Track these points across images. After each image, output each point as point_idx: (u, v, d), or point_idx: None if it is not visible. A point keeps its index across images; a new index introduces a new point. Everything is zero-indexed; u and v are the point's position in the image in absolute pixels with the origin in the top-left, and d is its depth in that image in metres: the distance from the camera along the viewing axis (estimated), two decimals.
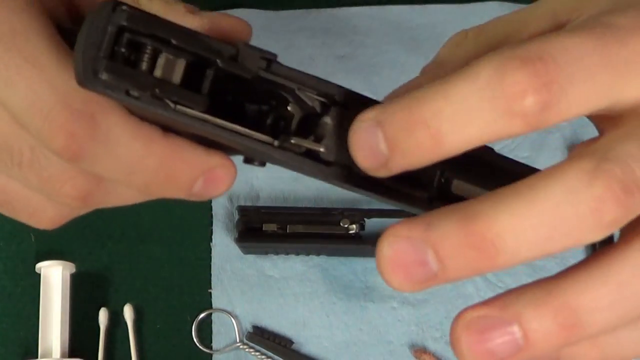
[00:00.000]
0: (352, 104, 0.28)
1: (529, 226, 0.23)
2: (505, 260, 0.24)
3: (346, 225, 0.58)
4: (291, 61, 0.72)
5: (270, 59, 0.28)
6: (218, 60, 0.27)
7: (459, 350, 0.24)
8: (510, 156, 0.64)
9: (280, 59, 0.31)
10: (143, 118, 0.29)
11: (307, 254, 0.61)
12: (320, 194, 0.62)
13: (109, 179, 0.30)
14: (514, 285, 0.66)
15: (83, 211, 0.33)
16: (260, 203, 0.62)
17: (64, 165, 0.30)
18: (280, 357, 0.59)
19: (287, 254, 0.61)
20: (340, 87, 0.29)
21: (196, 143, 0.30)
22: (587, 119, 0.71)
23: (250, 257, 0.61)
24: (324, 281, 0.61)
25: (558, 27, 0.27)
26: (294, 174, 0.67)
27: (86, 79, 0.26)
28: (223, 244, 0.62)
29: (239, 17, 0.34)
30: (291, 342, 0.59)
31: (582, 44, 0.24)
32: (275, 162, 0.30)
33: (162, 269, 0.62)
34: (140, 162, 0.29)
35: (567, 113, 0.24)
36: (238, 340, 0.59)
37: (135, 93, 0.26)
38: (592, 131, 0.70)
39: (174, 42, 0.26)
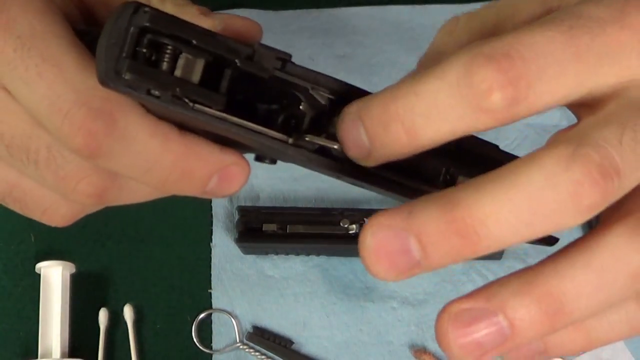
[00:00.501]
0: None
1: (510, 211, 0.23)
2: (488, 245, 0.24)
3: (346, 225, 0.58)
4: None
5: (285, 59, 0.29)
6: (236, 60, 0.28)
7: (445, 343, 0.25)
8: None
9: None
10: (160, 116, 0.30)
11: (307, 254, 0.61)
12: (320, 194, 0.62)
13: (126, 176, 0.31)
14: None
15: (95, 209, 0.34)
16: (260, 203, 0.62)
17: (80, 163, 0.30)
18: (280, 357, 0.59)
19: (287, 254, 0.61)
20: (351, 85, 0.30)
21: (211, 141, 0.31)
22: None
23: (250, 257, 0.61)
24: (324, 281, 0.61)
25: (549, 12, 0.27)
26: (294, 174, 0.68)
27: (109, 78, 0.26)
28: (223, 244, 0.62)
29: (250, 18, 0.35)
30: (291, 342, 0.59)
31: (552, 38, 0.24)
32: (288, 159, 0.31)
33: (162, 269, 0.62)
34: (158, 159, 0.29)
35: (537, 106, 0.25)
36: (238, 341, 0.59)
37: (156, 92, 0.27)
38: None
39: (194, 42, 0.27)
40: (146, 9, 0.26)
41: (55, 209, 0.34)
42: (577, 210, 0.24)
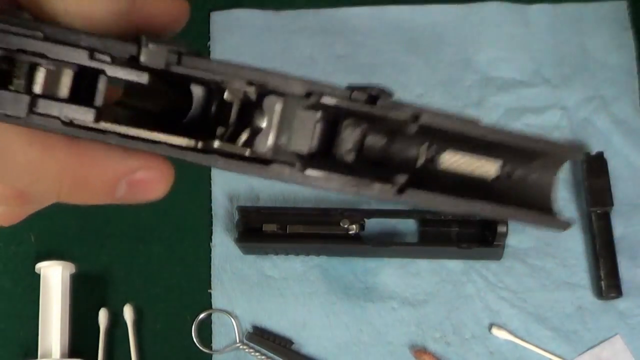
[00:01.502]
0: (289, 89, 0.25)
1: None
2: None
3: (346, 226, 0.58)
4: (291, 61, 0.72)
5: (180, 52, 0.24)
6: (105, 69, 0.24)
7: None
8: None
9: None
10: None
11: (307, 254, 0.61)
12: (320, 194, 0.62)
13: (18, 186, 0.29)
14: (513, 286, 0.66)
15: (38, 206, 0.33)
16: (261, 203, 0.62)
17: None
18: (280, 357, 0.59)
19: (287, 254, 0.61)
20: (273, 72, 0.25)
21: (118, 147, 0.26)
22: (586, 120, 0.71)
23: (250, 257, 0.61)
24: (324, 281, 0.61)
25: None
26: None
27: None
28: (223, 244, 0.62)
29: None
30: (291, 342, 0.59)
31: None
32: (222, 168, 0.27)
33: (162, 269, 0.62)
34: (41, 169, 0.28)
35: None
36: (238, 341, 0.59)
37: (13, 114, 0.23)
38: (592, 132, 0.71)
39: (48, 55, 0.23)
40: None
41: None
42: None
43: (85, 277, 0.61)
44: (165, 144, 0.25)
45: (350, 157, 0.26)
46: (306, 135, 0.25)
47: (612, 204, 0.60)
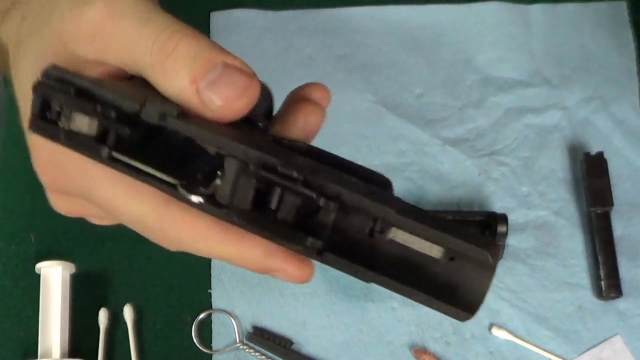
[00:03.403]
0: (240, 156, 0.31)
1: None
2: None
3: None
4: (291, 61, 0.72)
5: (164, 113, 0.30)
6: (113, 118, 0.31)
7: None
8: (511, 156, 0.65)
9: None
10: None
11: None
12: None
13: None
14: (513, 286, 0.66)
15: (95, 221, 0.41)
16: None
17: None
18: (280, 357, 0.59)
19: None
20: (231, 140, 0.30)
21: None
22: (586, 120, 0.71)
23: None
24: (324, 281, 0.61)
25: None
26: None
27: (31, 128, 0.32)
28: None
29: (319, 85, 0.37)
30: (291, 342, 0.59)
31: None
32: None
33: (162, 269, 0.62)
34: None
35: None
36: (238, 341, 0.59)
37: (64, 141, 0.32)
38: (592, 132, 0.71)
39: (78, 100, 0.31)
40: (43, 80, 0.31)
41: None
42: None
43: (85, 277, 0.61)
44: (156, 177, 0.31)
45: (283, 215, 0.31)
46: (248, 194, 0.31)
47: (612, 204, 0.60)
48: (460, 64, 0.67)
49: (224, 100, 0.31)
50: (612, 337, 0.59)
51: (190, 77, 0.31)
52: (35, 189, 0.64)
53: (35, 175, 0.36)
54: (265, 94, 0.36)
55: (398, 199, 0.30)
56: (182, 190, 0.31)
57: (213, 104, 0.31)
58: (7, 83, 0.67)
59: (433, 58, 0.68)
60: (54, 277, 0.59)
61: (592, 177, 0.61)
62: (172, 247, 0.35)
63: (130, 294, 0.61)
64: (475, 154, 0.64)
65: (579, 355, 0.58)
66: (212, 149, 0.31)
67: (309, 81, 0.37)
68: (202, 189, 0.31)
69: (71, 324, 0.59)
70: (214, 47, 0.32)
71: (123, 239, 0.62)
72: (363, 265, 0.30)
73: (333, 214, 0.31)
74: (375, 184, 0.32)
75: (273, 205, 0.31)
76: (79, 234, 0.62)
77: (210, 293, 0.61)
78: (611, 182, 0.61)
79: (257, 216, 0.31)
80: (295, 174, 0.29)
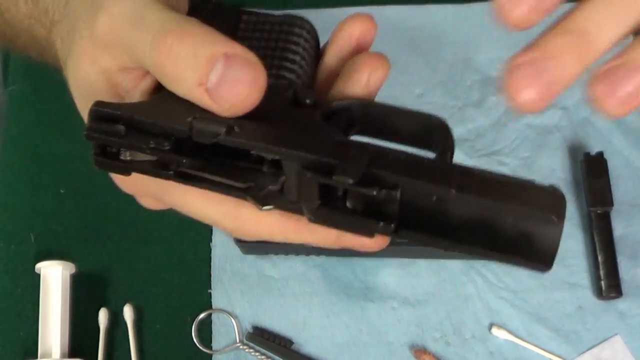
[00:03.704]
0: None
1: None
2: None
3: None
4: None
5: (217, 133, 0.32)
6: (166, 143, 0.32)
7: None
8: (511, 156, 0.65)
9: None
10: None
11: (307, 254, 0.61)
12: None
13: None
14: (513, 286, 0.66)
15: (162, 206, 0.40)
16: None
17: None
18: (280, 357, 0.59)
19: (287, 254, 0.61)
20: (283, 149, 0.31)
21: None
22: (586, 120, 0.71)
23: (250, 257, 0.61)
24: (324, 281, 0.61)
25: None
26: None
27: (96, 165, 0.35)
28: (223, 244, 0.62)
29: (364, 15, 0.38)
30: (291, 342, 0.59)
31: None
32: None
33: (162, 269, 0.62)
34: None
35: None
36: (238, 341, 0.59)
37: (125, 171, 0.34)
38: (592, 132, 0.70)
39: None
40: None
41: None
42: None
43: (85, 277, 0.61)
44: (224, 184, 0.33)
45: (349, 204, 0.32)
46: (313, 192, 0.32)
47: (612, 204, 0.60)
48: (460, 64, 0.67)
49: (236, 99, 0.31)
50: (612, 337, 0.59)
51: (196, 79, 0.31)
52: (35, 189, 0.64)
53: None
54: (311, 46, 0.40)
55: (454, 170, 0.31)
56: (251, 199, 0.32)
57: (225, 104, 0.31)
58: (7, 83, 0.67)
59: (433, 58, 0.68)
60: (54, 277, 0.59)
61: (592, 177, 0.61)
62: (251, 239, 0.36)
63: (130, 294, 0.61)
64: (475, 153, 0.64)
65: (579, 355, 0.58)
66: (268, 156, 0.32)
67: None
68: (270, 187, 0.32)
69: (71, 324, 0.59)
70: (211, 39, 0.31)
71: (123, 239, 0.62)
72: (438, 234, 0.31)
73: (398, 194, 0.31)
74: (433, 129, 0.34)
75: (340, 192, 0.32)
76: (79, 234, 0.62)
77: (210, 293, 0.61)
78: (611, 182, 0.61)
79: (328, 212, 0.32)
80: (350, 181, 0.30)
